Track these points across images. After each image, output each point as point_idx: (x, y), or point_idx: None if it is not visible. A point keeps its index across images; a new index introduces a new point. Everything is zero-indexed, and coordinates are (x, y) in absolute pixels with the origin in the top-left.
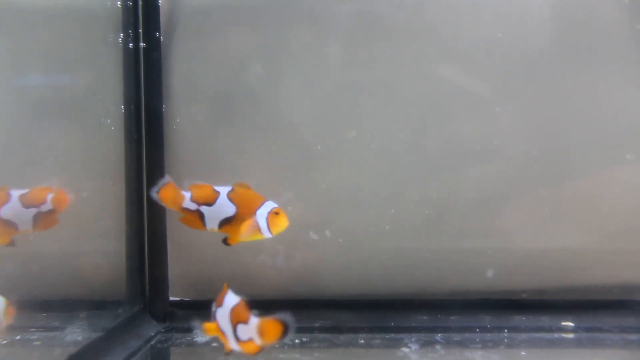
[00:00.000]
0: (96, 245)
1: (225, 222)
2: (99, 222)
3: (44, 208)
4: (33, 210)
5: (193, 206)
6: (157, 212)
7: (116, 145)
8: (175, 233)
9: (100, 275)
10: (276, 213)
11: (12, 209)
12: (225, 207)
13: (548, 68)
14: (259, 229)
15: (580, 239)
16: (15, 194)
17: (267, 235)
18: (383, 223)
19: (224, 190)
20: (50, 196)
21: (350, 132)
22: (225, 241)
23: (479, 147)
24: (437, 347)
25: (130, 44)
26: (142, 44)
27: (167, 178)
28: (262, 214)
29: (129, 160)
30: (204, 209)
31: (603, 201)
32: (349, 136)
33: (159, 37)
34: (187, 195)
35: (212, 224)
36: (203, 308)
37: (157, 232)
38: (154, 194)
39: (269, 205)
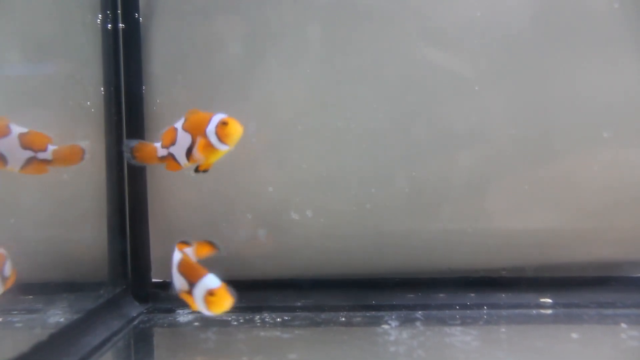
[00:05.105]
0: (77, 227)
1: (189, 153)
2: (80, 204)
3: (41, 156)
4: (28, 153)
5: (164, 152)
6: (138, 194)
7: (96, 127)
8: (157, 214)
9: (81, 257)
10: (224, 123)
11: (9, 145)
12: (183, 139)
13: (528, 49)
14: (212, 146)
15: (559, 218)
16: (16, 130)
17: (222, 148)
18: (364, 202)
19: (178, 124)
20: (52, 148)
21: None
22: (197, 170)
23: (459, 129)
24: (417, 323)
25: (109, 25)
26: (120, 25)
27: (134, 140)
28: (210, 130)
29: (109, 142)
30: (172, 150)
31: (581, 181)
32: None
33: (138, 18)
34: (157, 145)
35: (182, 160)
36: None
37: (139, 213)
38: (129, 156)
39: (216, 119)
